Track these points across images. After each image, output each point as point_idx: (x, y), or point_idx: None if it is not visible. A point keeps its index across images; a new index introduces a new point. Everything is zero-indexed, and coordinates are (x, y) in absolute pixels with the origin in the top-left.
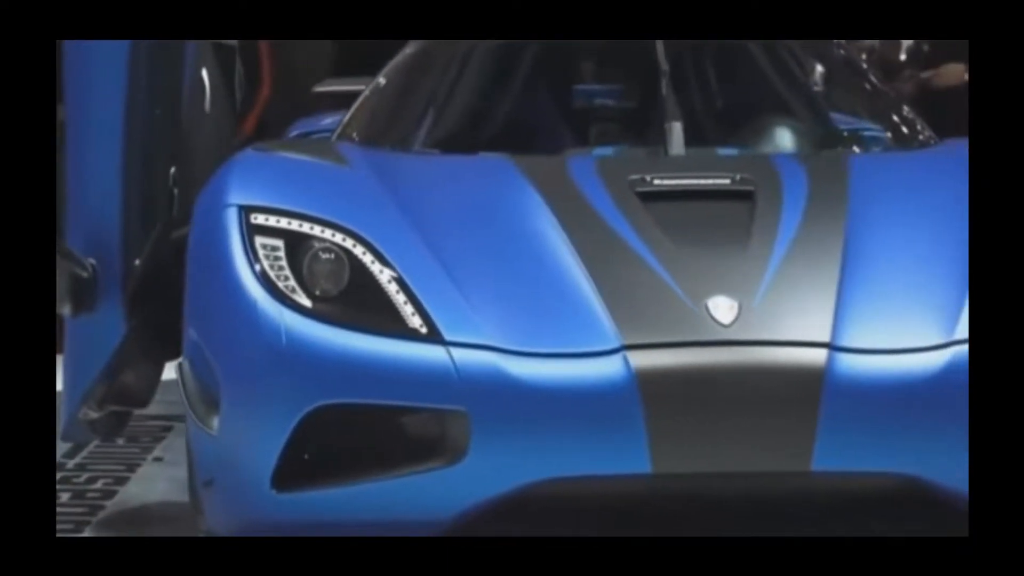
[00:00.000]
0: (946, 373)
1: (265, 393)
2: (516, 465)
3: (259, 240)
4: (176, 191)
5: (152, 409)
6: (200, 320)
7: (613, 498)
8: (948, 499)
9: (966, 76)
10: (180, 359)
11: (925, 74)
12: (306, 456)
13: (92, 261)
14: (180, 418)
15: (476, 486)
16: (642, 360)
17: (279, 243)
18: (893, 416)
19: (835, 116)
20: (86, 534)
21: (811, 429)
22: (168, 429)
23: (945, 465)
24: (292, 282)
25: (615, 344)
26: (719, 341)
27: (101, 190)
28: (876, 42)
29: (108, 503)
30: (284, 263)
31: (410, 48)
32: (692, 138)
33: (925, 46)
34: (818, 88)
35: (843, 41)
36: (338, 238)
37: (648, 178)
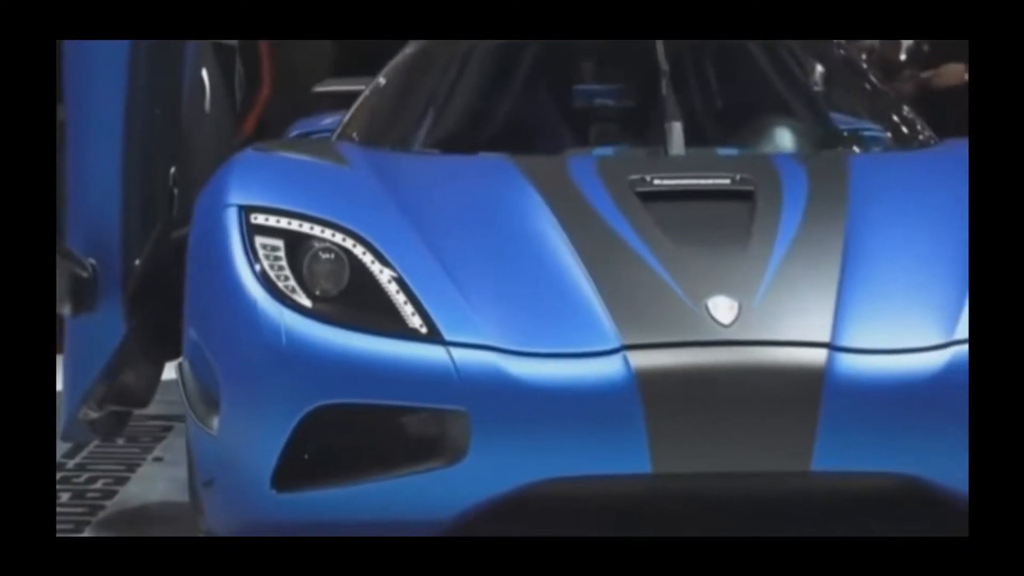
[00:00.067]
0: (946, 373)
1: (265, 393)
2: (516, 465)
3: (259, 240)
4: (176, 191)
5: (152, 409)
6: (200, 320)
7: (613, 498)
8: (948, 499)
9: (966, 76)
10: (180, 359)
11: (925, 74)
12: (306, 456)
13: (92, 261)
14: (180, 418)
15: (476, 486)
16: (642, 360)
17: (279, 243)
18: (893, 416)
19: (835, 116)
20: (86, 534)
21: (811, 429)
22: (168, 429)
23: (945, 465)
24: (292, 282)
25: (615, 344)
26: (719, 341)
27: (101, 190)
28: (876, 42)
29: (108, 503)
30: (284, 263)
31: (410, 48)
32: (692, 138)
33: (925, 46)
34: (818, 88)
35: (843, 41)
36: (338, 238)
37: (648, 178)
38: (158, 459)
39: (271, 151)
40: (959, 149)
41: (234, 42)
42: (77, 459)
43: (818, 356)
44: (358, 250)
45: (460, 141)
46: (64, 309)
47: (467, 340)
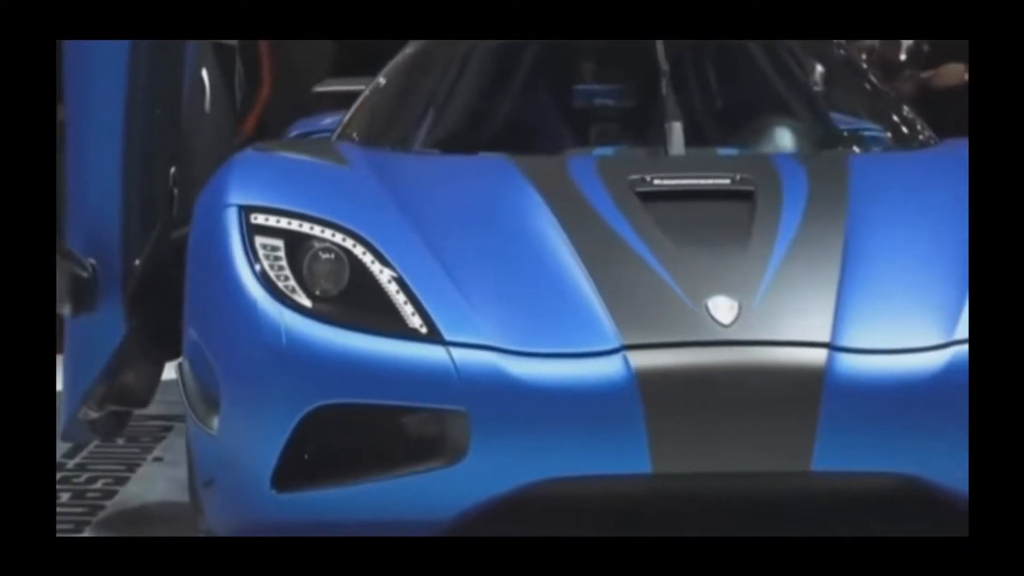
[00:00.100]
0: (946, 373)
1: (265, 393)
2: (516, 465)
3: (259, 240)
4: (176, 191)
5: (152, 409)
6: (200, 320)
7: (613, 498)
8: (948, 499)
9: (966, 76)
10: (180, 359)
11: (925, 74)
12: (306, 456)
13: (92, 261)
14: (180, 418)
15: (476, 486)
16: (642, 360)
17: (279, 243)
18: (893, 416)
19: (835, 116)
20: (86, 534)
21: (811, 429)
22: (168, 429)
23: (945, 465)
24: (292, 282)
25: (615, 344)
26: (719, 341)
27: (101, 190)
28: (876, 42)
29: (108, 503)
30: (284, 263)
31: (410, 48)
32: (692, 138)
33: (925, 46)
34: (818, 88)
35: (843, 41)
36: (338, 238)
37: (648, 178)
38: (158, 459)
39: (271, 151)
40: (959, 149)
41: (234, 42)
42: (77, 459)
43: (818, 356)
44: (358, 250)
45: (460, 141)
46: (64, 309)
47: (467, 340)
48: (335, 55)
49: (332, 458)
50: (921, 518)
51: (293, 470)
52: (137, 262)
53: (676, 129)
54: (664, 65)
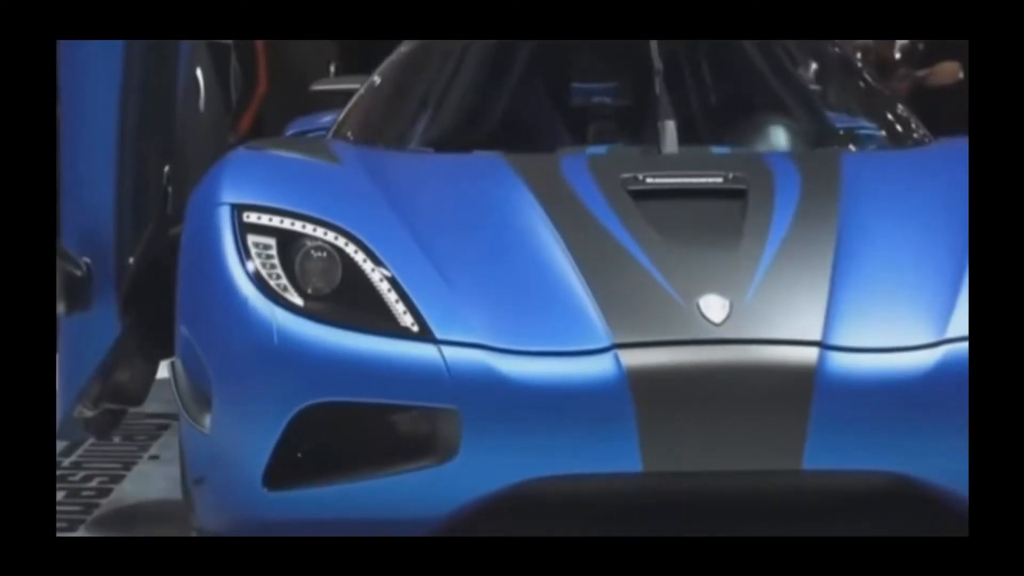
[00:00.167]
0: (937, 371)
1: (256, 391)
2: (507, 464)
3: (251, 238)
4: (170, 189)
5: (148, 407)
6: (192, 318)
7: (604, 497)
8: (938, 497)
9: (960, 75)
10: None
11: (920, 72)
12: (299, 455)
13: (86, 260)
14: (177, 416)
15: (467, 484)
16: (633, 359)
17: (271, 241)
18: (884, 414)
19: (830, 114)
20: (81, 533)
21: (802, 427)
22: (164, 427)
23: (936, 463)
24: (284, 280)
25: (606, 343)
26: (710, 340)
27: (95, 189)
28: (871, 40)
29: (103, 501)
30: (276, 261)
31: (405, 47)
32: (686, 136)
33: (920, 45)
34: (813, 86)
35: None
36: (330, 236)
37: (640, 176)
38: (154, 457)
39: (264, 149)
40: (953, 148)
41: (229, 40)
42: (73, 457)
43: (809, 355)
44: (350, 248)
45: (454, 140)
46: (59, 308)
47: (458, 339)
48: (338, 54)
49: (323, 456)
50: (912, 516)
51: (284, 468)
52: (131, 260)
53: (669, 128)
54: (658, 64)
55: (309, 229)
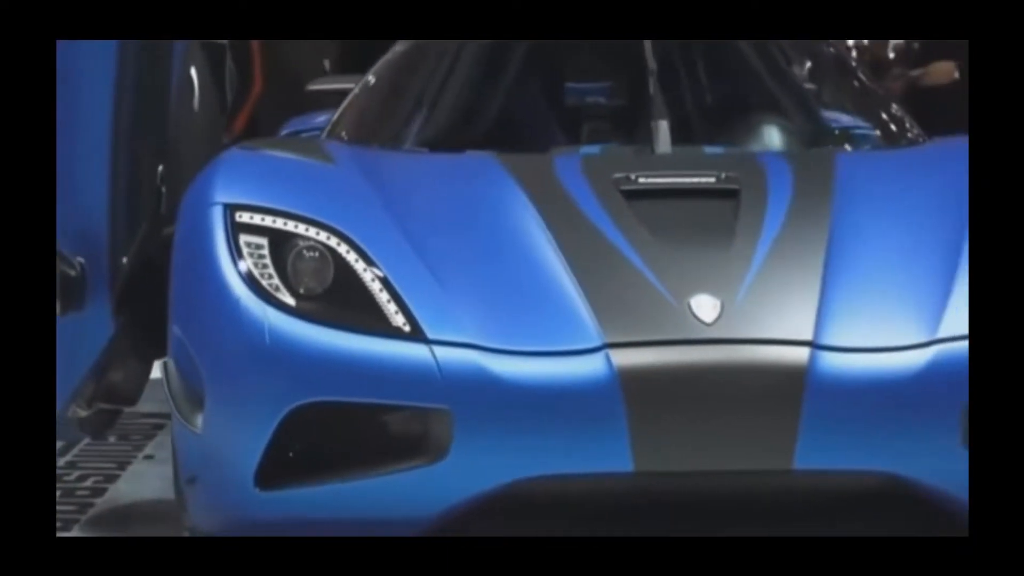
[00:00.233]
0: (928, 371)
1: (248, 391)
2: (498, 463)
3: (243, 238)
4: (164, 189)
5: (143, 407)
6: (184, 318)
7: (595, 496)
8: (929, 497)
9: (955, 74)
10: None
11: (914, 72)
12: (290, 454)
13: (80, 259)
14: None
15: (458, 484)
16: (624, 358)
17: (263, 241)
18: (875, 414)
19: (824, 114)
20: (75, 533)
21: (793, 427)
22: (159, 427)
23: (927, 463)
24: (276, 280)
25: (597, 342)
26: (701, 339)
27: (89, 188)
28: (866, 40)
29: (98, 501)
30: (268, 261)
31: (400, 46)
32: (680, 136)
33: (915, 44)
34: (808, 85)
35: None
36: (322, 236)
37: (633, 176)
38: (149, 457)
39: (257, 149)
40: (948, 148)
41: (225, 40)
42: (68, 457)
43: (800, 354)
44: (342, 248)
45: (449, 139)
46: None
47: (450, 338)
48: (338, 55)
49: (315, 456)
50: (903, 516)
51: (276, 468)
52: (125, 260)
53: (663, 127)
54: (652, 64)
55: (301, 229)
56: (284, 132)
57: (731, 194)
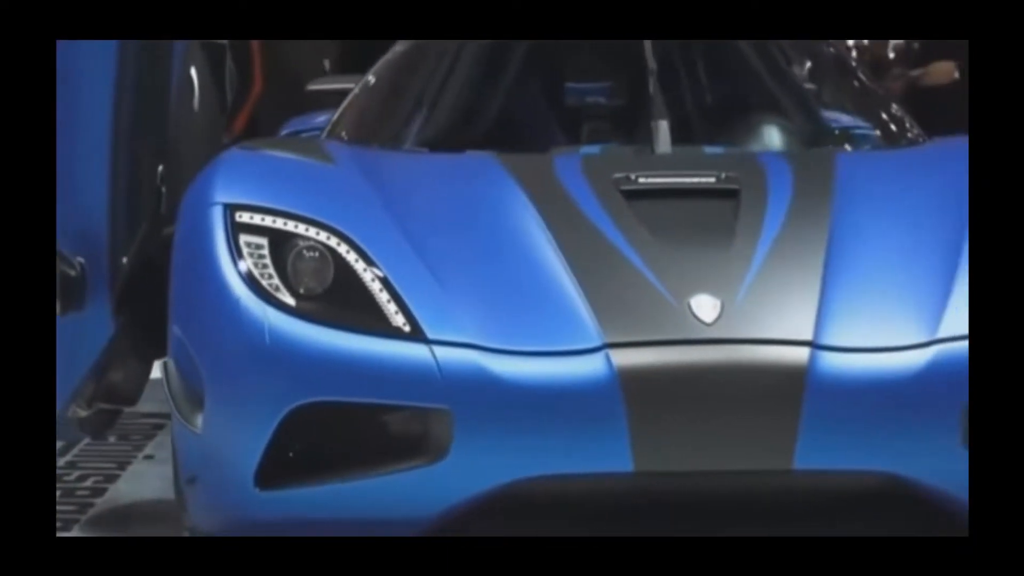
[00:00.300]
0: (928, 371)
1: (248, 391)
2: (498, 463)
3: (243, 238)
4: (164, 189)
5: (144, 407)
6: (184, 318)
7: (595, 496)
8: (929, 497)
9: (955, 74)
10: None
11: (914, 72)
12: (290, 454)
13: (80, 259)
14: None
15: (458, 484)
16: (624, 358)
17: (263, 241)
18: (875, 414)
19: (824, 114)
20: (75, 533)
21: (793, 427)
22: (159, 427)
23: (926, 463)
24: (276, 280)
25: (597, 342)
26: (701, 339)
27: (89, 188)
28: (866, 40)
29: (98, 501)
30: (268, 261)
31: (400, 46)
32: (680, 136)
33: (915, 44)
34: (807, 86)
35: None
36: (322, 236)
37: (633, 176)
38: (149, 457)
39: (257, 149)
40: (948, 148)
41: (225, 40)
42: (68, 457)
43: (800, 354)
44: (342, 248)
45: (449, 139)
46: None
47: (450, 339)
48: (339, 55)
49: (315, 456)
50: (903, 516)
51: (276, 468)
52: (125, 260)
53: (662, 127)
54: (652, 64)
55: (301, 229)
56: (284, 132)
57: (731, 194)
